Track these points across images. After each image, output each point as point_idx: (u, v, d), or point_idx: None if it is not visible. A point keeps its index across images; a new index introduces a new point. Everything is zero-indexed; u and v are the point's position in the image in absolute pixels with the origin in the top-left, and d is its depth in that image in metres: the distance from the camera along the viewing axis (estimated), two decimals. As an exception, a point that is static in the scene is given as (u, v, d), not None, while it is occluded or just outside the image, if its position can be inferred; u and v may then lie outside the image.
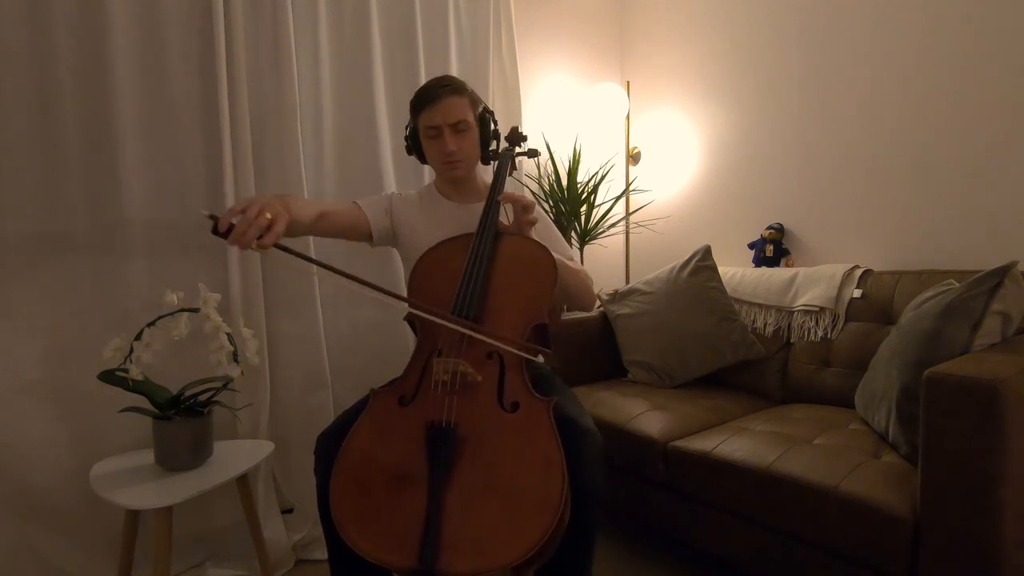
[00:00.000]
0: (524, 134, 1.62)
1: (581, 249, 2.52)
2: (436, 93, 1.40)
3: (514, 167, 1.59)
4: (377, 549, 0.90)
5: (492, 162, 1.57)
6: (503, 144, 1.61)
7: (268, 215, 0.98)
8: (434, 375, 1.11)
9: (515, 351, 1.12)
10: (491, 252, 1.29)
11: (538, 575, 1.12)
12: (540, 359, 1.09)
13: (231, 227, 0.96)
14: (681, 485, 1.53)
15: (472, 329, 1.09)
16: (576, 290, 1.44)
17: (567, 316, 2.27)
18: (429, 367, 1.14)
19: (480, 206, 1.43)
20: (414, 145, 1.50)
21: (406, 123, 1.53)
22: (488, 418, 1.05)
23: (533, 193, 2.46)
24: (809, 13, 2.19)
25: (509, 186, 1.60)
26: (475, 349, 1.12)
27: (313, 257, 1.09)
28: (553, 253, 1.27)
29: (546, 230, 1.53)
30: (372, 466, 1.01)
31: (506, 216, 1.48)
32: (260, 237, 0.97)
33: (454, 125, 1.40)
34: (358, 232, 1.46)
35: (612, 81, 2.87)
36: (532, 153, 1.62)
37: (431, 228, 1.46)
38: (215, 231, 0.95)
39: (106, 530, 1.59)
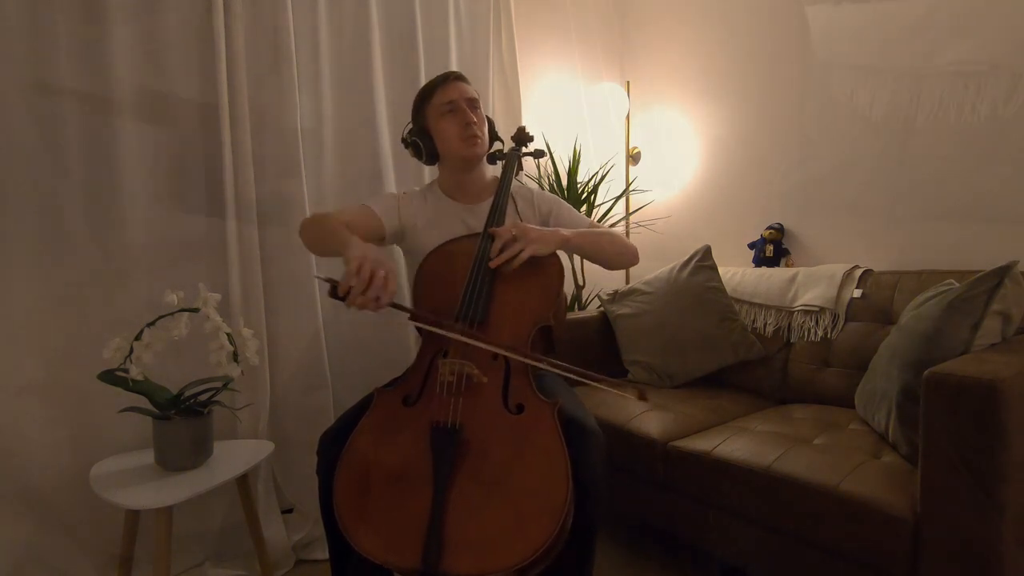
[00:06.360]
0: (531, 134, 1.62)
1: (581, 249, 2.52)
2: (445, 76, 1.45)
3: (520, 167, 1.58)
4: (381, 549, 0.90)
5: (498, 162, 1.57)
6: (509, 145, 1.61)
7: (382, 273, 1.02)
8: (440, 376, 1.10)
9: (523, 360, 1.11)
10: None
11: (539, 574, 1.12)
12: (545, 366, 1.09)
13: (349, 290, 1.01)
14: (681, 485, 1.53)
15: (478, 339, 1.08)
16: (611, 249, 1.46)
17: (568, 316, 2.27)
18: (434, 368, 1.14)
19: (485, 206, 1.42)
20: (423, 140, 1.46)
21: (406, 124, 1.52)
22: (493, 420, 1.04)
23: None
24: (808, 13, 2.18)
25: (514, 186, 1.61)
26: (481, 350, 1.12)
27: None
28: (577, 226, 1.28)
29: (568, 214, 1.55)
30: (376, 466, 1.00)
31: (517, 215, 1.47)
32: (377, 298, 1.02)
33: (469, 101, 1.43)
34: (373, 236, 1.44)
35: (612, 81, 2.86)
36: (539, 154, 1.62)
37: (437, 228, 1.45)
38: (333, 295, 1.01)
39: (106, 530, 1.58)
